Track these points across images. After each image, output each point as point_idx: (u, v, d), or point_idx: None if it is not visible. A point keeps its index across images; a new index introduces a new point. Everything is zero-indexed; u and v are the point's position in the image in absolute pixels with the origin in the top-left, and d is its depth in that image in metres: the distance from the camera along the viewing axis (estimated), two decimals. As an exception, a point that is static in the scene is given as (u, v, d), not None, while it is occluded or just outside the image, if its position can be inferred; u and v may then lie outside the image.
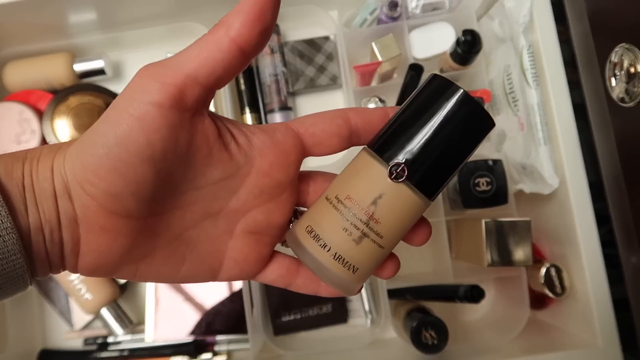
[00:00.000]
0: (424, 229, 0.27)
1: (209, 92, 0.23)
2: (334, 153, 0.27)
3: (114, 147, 0.21)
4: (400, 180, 0.24)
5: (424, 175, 0.24)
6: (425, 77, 0.60)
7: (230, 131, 0.25)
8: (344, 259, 0.24)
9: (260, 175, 0.25)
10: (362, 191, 0.24)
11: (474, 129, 0.24)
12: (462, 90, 0.23)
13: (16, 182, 0.22)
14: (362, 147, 0.27)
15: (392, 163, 0.24)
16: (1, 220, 0.20)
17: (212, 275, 0.26)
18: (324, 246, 0.24)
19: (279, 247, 0.28)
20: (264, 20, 0.22)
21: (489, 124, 0.24)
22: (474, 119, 0.24)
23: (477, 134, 0.24)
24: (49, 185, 0.22)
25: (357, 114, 0.26)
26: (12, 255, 0.21)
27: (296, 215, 0.27)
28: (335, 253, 0.24)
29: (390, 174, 0.24)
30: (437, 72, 0.66)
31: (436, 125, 0.23)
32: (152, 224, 0.24)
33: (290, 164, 0.25)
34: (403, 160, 0.24)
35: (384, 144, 0.25)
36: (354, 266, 0.25)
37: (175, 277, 0.26)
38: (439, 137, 0.23)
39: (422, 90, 0.25)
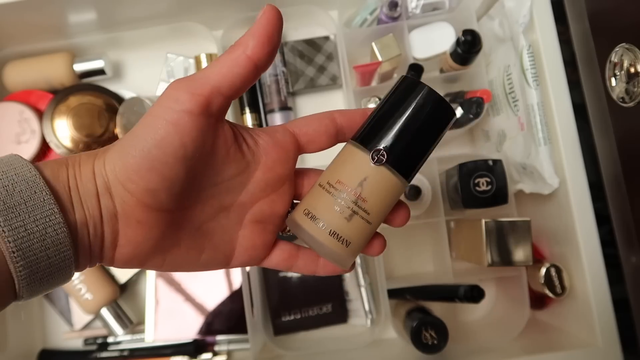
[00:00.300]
0: (402, 211, 0.31)
1: (229, 101, 0.27)
2: (324, 149, 0.31)
3: (153, 148, 0.25)
4: (381, 164, 0.28)
5: (400, 159, 0.28)
6: (425, 76, 0.60)
7: (241, 134, 0.29)
8: (338, 235, 0.28)
9: (266, 171, 0.29)
10: (350, 175, 0.29)
11: (438, 119, 0.29)
12: (426, 87, 0.28)
13: (62, 184, 0.25)
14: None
15: (373, 150, 0.28)
16: (54, 217, 0.24)
17: (226, 261, 0.30)
18: (321, 225, 0.28)
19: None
20: (273, 42, 0.27)
21: (451, 114, 0.29)
22: (438, 111, 0.29)
23: (441, 122, 0.29)
24: (92, 186, 0.25)
25: (341, 114, 0.30)
26: (63, 247, 0.24)
27: (293, 206, 0.31)
28: (330, 230, 0.28)
29: (372, 159, 0.28)
30: (437, 72, 0.66)
31: (407, 116, 0.28)
32: (179, 217, 0.27)
33: (289, 159, 0.30)
34: (382, 147, 0.28)
35: (365, 135, 0.29)
36: (347, 240, 0.28)
37: (196, 266, 0.29)
38: (410, 126, 0.28)
39: (394, 89, 0.29)
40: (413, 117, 0.28)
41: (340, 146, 0.31)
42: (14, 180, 0.23)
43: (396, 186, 0.29)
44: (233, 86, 0.26)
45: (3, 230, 0.22)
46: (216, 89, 0.26)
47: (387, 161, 0.28)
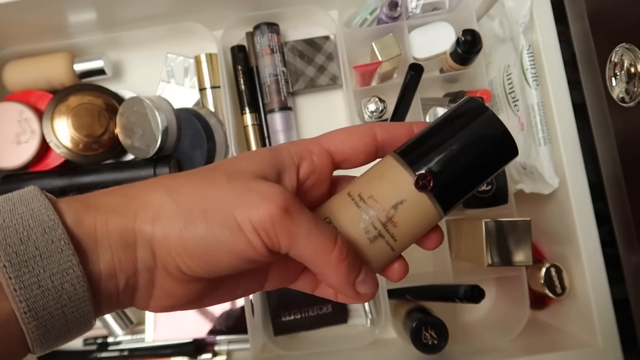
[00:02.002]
0: (436, 234, 0.28)
1: None
2: (361, 166, 0.28)
3: (221, 253, 0.23)
4: (424, 191, 0.25)
5: (446, 190, 0.25)
6: (425, 76, 0.60)
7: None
8: None
9: (301, 199, 0.27)
10: (386, 194, 0.25)
11: (499, 154, 0.26)
12: (494, 115, 0.25)
13: (87, 230, 0.23)
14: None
15: (419, 173, 0.25)
16: (73, 270, 0.21)
17: (259, 289, 0.29)
18: None
19: None
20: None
21: (514, 151, 0.26)
22: (500, 144, 0.25)
23: (501, 159, 0.26)
24: (129, 237, 0.23)
25: (384, 130, 0.28)
26: (82, 303, 0.22)
27: None
28: None
29: (417, 183, 0.25)
30: (437, 72, 0.66)
31: (465, 144, 0.25)
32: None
33: (324, 181, 0.28)
34: (431, 172, 0.25)
35: (413, 153, 0.26)
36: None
37: (231, 299, 0.28)
38: (466, 156, 0.25)
39: (456, 109, 0.26)
40: (471, 146, 0.25)
41: None
42: (30, 225, 0.21)
43: (432, 217, 0.26)
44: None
45: (14, 289, 0.20)
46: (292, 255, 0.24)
47: (431, 189, 0.25)
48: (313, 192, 0.27)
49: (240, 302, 0.65)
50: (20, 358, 0.22)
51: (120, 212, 0.23)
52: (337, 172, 0.29)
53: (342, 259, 0.24)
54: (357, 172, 0.30)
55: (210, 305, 0.27)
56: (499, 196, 0.56)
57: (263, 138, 0.68)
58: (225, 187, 0.24)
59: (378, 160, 0.28)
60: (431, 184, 0.25)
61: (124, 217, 0.23)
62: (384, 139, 0.27)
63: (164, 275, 0.24)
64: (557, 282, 0.57)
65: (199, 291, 0.25)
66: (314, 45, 0.69)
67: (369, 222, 0.25)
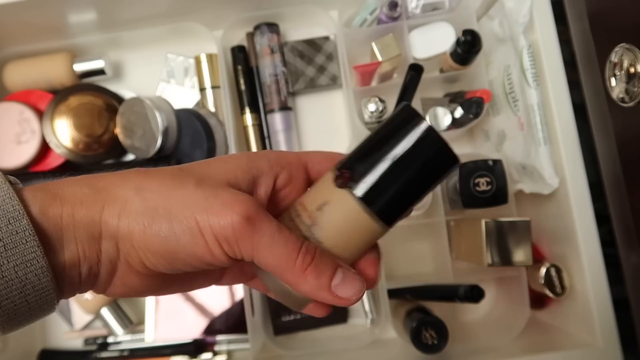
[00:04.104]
0: (370, 259, 0.27)
1: None
2: None
3: (182, 254, 0.23)
4: (344, 188, 0.24)
5: (375, 193, 0.24)
6: (425, 76, 0.60)
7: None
8: None
9: (275, 206, 0.28)
10: (312, 197, 0.26)
11: (434, 163, 0.24)
12: (427, 125, 0.24)
13: (53, 220, 0.23)
14: None
15: (337, 169, 0.25)
16: (37, 261, 0.22)
17: (215, 282, 0.30)
18: None
19: None
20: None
21: (452, 160, 0.24)
22: (435, 154, 0.24)
23: (438, 168, 0.24)
24: (95, 229, 0.23)
25: None
26: (46, 292, 0.22)
27: None
28: None
29: (335, 178, 0.24)
30: (437, 72, 0.66)
31: (393, 149, 0.24)
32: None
33: (298, 193, 0.28)
34: (348, 168, 0.24)
35: (345, 159, 0.26)
36: None
37: (186, 291, 0.30)
38: (396, 160, 0.24)
39: (392, 116, 0.26)
40: (402, 153, 0.24)
41: None
42: None
43: (364, 222, 0.24)
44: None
45: None
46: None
47: (355, 189, 0.24)
48: (286, 202, 0.28)
49: (240, 301, 0.66)
50: None
51: (87, 204, 0.23)
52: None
53: (306, 266, 0.23)
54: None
55: (164, 295, 0.28)
56: (499, 196, 0.56)
57: (263, 138, 0.68)
58: (192, 190, 0.24)
59: None
60: (349, 179, 0.24)
61: (91, 209, 0.23)
62: None
63: (125, 268, 0.24)
64: (557, 282, 0.57)
65: (156, 284, 0.26)
66: (314, 45, 0.69)
67: (298, 227, 0.25)
